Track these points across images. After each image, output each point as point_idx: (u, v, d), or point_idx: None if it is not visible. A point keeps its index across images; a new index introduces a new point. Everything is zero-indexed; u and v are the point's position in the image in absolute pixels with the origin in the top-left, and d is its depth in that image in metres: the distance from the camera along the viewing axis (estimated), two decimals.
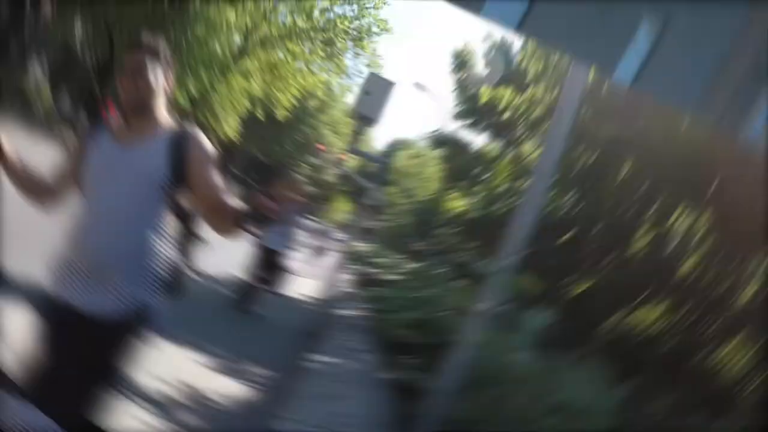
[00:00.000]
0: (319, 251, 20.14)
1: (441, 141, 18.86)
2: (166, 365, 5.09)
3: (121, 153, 2.12)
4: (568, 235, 9.90)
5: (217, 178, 2.13)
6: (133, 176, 2.07)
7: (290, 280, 9.35)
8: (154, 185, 2.06)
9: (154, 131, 2.17)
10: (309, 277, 17.47)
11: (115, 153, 2.12)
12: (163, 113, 2.23)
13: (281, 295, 8.91)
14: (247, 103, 45.87)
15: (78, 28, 33.09)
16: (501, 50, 16.01)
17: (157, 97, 2.18)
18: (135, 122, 2.18)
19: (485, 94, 13.58)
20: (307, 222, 32.23)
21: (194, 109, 42.12)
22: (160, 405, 4.80)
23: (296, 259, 23.73)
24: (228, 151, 70.24)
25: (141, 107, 2.15)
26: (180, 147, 2.13)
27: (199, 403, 5.75)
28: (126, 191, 2.05)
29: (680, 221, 8.61)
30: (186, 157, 2.11)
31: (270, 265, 8.84)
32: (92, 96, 28.67)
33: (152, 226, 2.11)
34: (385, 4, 44.12)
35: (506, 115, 13.19)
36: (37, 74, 24.51)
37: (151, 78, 2.12)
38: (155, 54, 2.18)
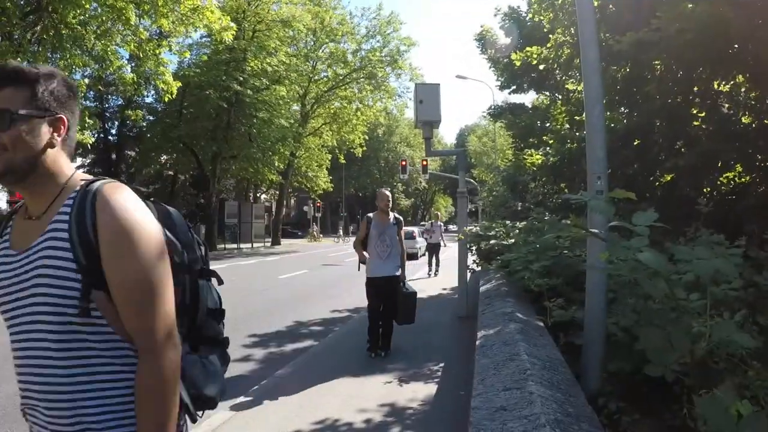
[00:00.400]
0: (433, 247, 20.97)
1: (498, 113, 19.64)
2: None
3: None
4: (635, 141, 10.09)
5: None
6: None
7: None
8: None
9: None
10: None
11: None
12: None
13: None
14: (328, 155, 47.99)
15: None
16: (512, 16, 17.03)
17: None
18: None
19: (517, 58, 13.96)
20: (417, 229, 33.36)
21: (286, 180, 44.47)
22: None
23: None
24: (330, 200, 71.67)
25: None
26: None
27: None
28: None
29: (725, 89, 9.00)
30: None
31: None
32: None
33: None
34: (402, 24, 45.48)
35: (541, 67, 13.94)
36: None
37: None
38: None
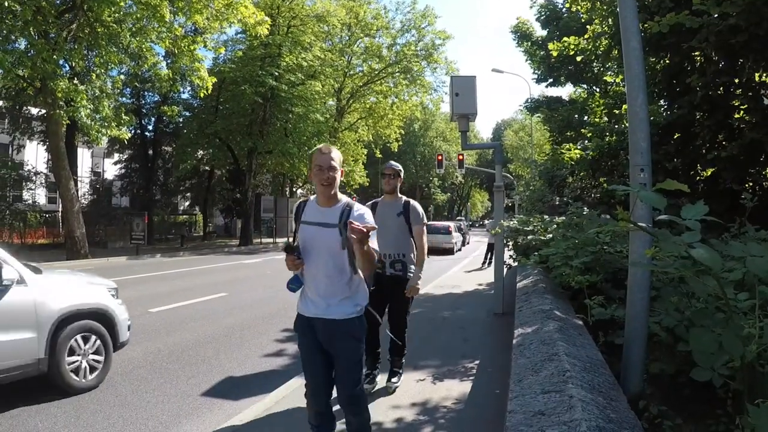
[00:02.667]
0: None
1: (535, 107, 19.54)
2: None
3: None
4: (676, 135, 10.09)
5: None
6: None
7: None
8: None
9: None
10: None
11: None
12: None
13: None
14: (364, 150, 48.06)
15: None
16: (548, 7, 16.84)
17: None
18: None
19: (554, 48, 13.77)
20: (453, 224, 33.22)
21: None
22: None
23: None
24: (367, 194, 72.23)
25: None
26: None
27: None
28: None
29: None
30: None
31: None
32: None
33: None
34: (437, 18, 45.28)
35: (579, 58, 13.74)
36: None
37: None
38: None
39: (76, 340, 6.44)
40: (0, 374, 5.55)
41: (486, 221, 65.03)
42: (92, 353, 6.62)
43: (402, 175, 6.44)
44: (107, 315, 6.94)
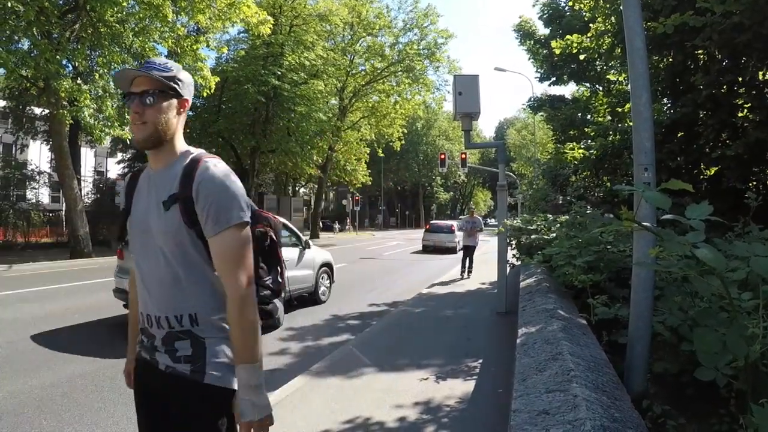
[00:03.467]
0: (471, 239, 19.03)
1: (538, 106, 19.54)
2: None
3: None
4: (679, 133, 10.04)
5: None
6: None
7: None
8: None
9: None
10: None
11: None
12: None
13: None
14: (366, 149, 48.08)
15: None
16: (551, 6, 16.83)
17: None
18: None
19: (557, 46, 13.88)
20: (456, 223, 33.17)
21: (325, 173, 44.70)
22: None
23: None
24: (368, 194, 71.96)
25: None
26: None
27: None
28: None
29: None
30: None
31: None
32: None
33: None
34: (439, 16, 45.32)
35: (582, 57, 13.73)
36: None
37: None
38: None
39: (322, 276, 13.23)
40: (302, 290, 12.23)
41: (489, 220, 64.76)
42: (326, 283, 13.51)
43: (181, 89, 2.25)
44: (331, 265, 13.86)
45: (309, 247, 12.66)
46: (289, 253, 11.53)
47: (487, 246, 26.29)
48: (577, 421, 2.36)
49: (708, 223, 2.68)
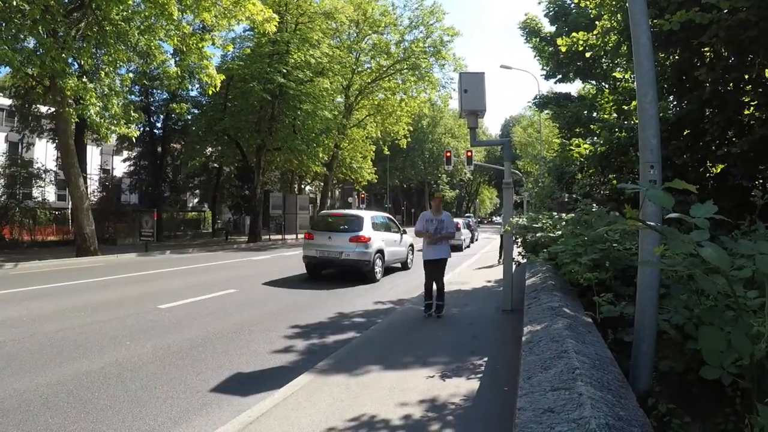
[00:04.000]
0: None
1: (544, 103, 19.44)
2: None
3: None
4: (685, 131, 9.93)
5: None
6: None
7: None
8: None
9: None
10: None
11: None
12: None
13: None
14: (372, 147, 48.10)
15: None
16: (557, 3, 16.77)
17: None
18: None
19: (562, 43, 13.65)
20: (462, 221, 33.22)
21: (331, 171, 44.76)
22: None
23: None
24: (374, 191, 71.93)
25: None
26: None
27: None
28: None
29: None
30: None
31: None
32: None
33: None
34: (445, 14, 45.28)
35: (588, 54, 13.67)
36: None
37: None
38: None
39: (410, 252, 20.68)
40: (401, 260, 20.07)
41: (494, 218, 64.56)
42: (411, 257, 20.76)
43: None
44: (413, 245, 20.03)
45: (405, 233, 20.77)
46: (394, 237, 19.27)
47: (494, 244, 26.22)
48: (582, 420, 2.36)
49: (714, 221, 2.67)
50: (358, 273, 16.66)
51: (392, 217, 20.97)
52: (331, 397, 5.95)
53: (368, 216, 17.79)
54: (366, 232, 16.78)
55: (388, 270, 18.67)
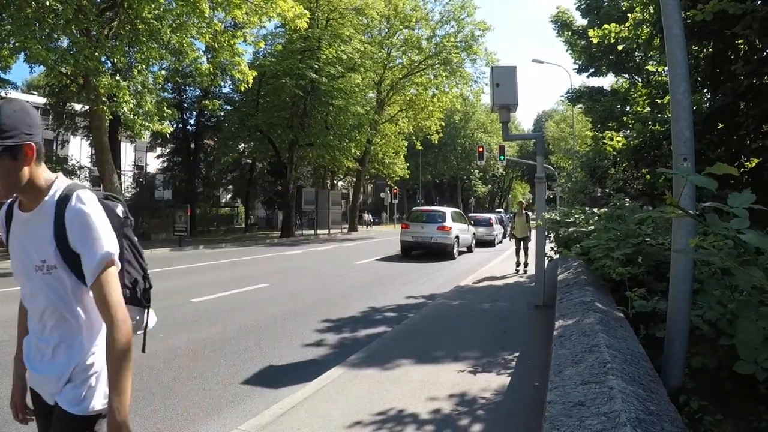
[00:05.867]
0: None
1: (576, 98, 19.24)
2: None
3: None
4: (719, 124, 9.87)
5: None
6: None
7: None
8: None
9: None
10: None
11: None
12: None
13: None
14: (404, 142, 48.10)
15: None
16: None
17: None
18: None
19: (594, 35, 13.55)
20: (494, 216, 33.13)
21: (363, 166, 44.82)
22: None
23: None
24: (406, 186, 71.97)
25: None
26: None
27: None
28: None
29: None
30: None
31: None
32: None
33: None
34: (476, 9, 45.02)
35: (620, 47, 13.54)
36: None
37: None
38: None
39: (474, 240, 27.56)
40: (466, 246, 26.11)
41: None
42: (473, 243, 27.48)
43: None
44: (475, 234, 27.63)
45: (472, 224, 27.58)
46: (465, 227, 25.63)
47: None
48: (612, 413, 2.34)
49: (750, 214, 2.63)
50: (442, 252, 22.78)
51: (462, 212, 28.29)
52: (362, 390, 5.98)
53: (449, 211, 24.62)
54: (448, 223, 23.17)
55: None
